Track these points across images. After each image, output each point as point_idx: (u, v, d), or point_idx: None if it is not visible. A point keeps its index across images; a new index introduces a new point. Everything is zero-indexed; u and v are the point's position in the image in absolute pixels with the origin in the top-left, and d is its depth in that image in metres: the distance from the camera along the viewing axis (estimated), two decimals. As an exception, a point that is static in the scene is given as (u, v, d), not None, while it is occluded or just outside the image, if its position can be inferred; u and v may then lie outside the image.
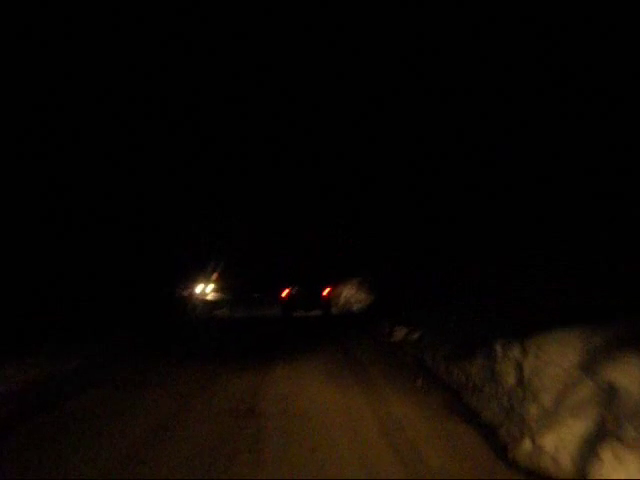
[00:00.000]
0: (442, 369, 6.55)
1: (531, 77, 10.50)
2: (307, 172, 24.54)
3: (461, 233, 12.92)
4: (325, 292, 17.08)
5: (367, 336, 10.84)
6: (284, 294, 17.14)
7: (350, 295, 19.74)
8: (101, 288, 12.10)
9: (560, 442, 3.57)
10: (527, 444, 3.77)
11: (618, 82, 8.73)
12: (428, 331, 8.78)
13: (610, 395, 3.55)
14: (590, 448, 3.36)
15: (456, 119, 13.21)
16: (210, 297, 26.57)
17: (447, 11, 12.79)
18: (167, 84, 14.31)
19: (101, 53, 11.75)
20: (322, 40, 17.07)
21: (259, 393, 6.02)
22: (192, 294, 24.44)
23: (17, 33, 10.06)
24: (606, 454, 3.20)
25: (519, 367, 4.52)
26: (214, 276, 28.45)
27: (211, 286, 28.27)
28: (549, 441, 3.63)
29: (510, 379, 4.58)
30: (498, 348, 4.95)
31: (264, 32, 16.58)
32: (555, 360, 4.20)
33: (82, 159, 11.58)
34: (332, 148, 21.60)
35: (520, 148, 10.92)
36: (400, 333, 9.80)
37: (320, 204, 25.39)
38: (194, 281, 26.01)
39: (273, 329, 13.75)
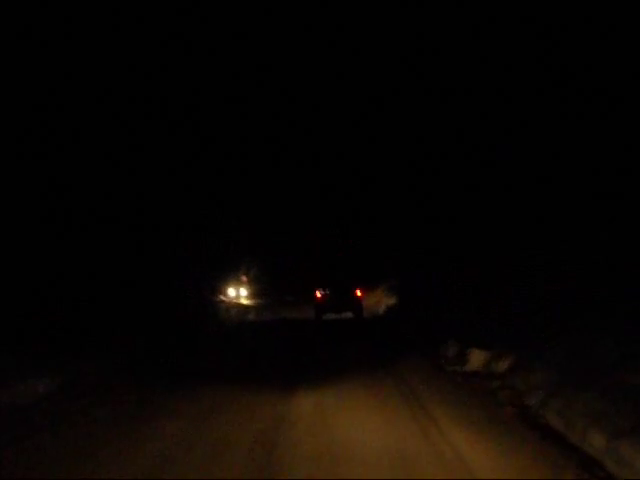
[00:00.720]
0: (606, 451, 3.53)
1: (531, 77, 10.49)
2: (330, 176, 24.79)
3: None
4: (357, 294, 17.13)
5: (424, 358, 8.46)
6: (317, 295, 17.31)
7: (390, 301, 19.41)
8: (118, 291, 11.91)
9: None
10: None
11: (618, 82, 8.72)
12: (527, 359, 5.96)
13: None
14: None
15: (456, 119, 13.20)
16: (244, 301, 26.37)
17: (447, 11, 12.78)
18: (167, 84, 14.30)
19: (101, 53, 11.75)
20: (322, 40, 17.07)
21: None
22: (225, 298, 24.36)
23: (17, 33, 10.06)
24: None
25: None
26: (245, 279, 28.42)
27: (244, 290, 28.17)
28: None
29: None
30: None
31: (264, 32, 16.58)
32: None
33: (82, 159, 11.56)
34: (343, 149, 21.66)
35: (520, 148, 10.91)
36: (477, 358, 7.10)
37: (351, 206, 25.55)
38: (225, 285, 26.04)
39: (305, 339, 12.68)
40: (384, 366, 7.98)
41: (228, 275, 26.32)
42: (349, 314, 17.34)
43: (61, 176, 11.10)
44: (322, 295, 17.22)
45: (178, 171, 15.89)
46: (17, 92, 10.05)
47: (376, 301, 21.19)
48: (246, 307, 23.87)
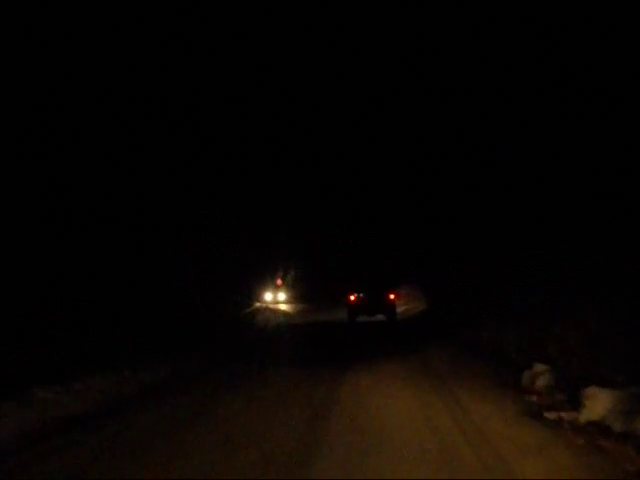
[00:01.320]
0: None
1: (531, 77, 10.49)
2: (337, 178, 24.86)
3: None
4: (390, 297, 17.48)
5: (503, 392, 5.92)
6: (351, 299, 17.72)
7: (429, 306, 19.27)
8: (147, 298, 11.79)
9: None
10: None
11: (618, 82, 8.72)
12: None
13: None
14: None
15: (456, 119, 13.21)
16: (281, 305, 26.33)
17: (447, 11, 12.78)
18: (167, 84, 14.29)
19: (101, 53, 11.74)
20: (322, 40, 17.07)
21: None
22: (261, 303, 24.35)
23: (17, 33, 10.05)
24: None
25: None
26: (280, 283, 28.49)
27: (282, 294, 28.19)
28: None
29: None
30: None
31: (264, 32, 16.58)
32: None
33: (82, 159, 11.56)
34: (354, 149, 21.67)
35: (520, 148, 10.91)
36: (598, 402, 4.61)
37: (386, 209, 25.62)
38: (263, 290, 26.12)
39: (341, 348, 12.11)
40: (449, 409, 5.19)
41: (266, 280, 26.59)
42: (381, 316, 17.69)
43: (61, 176, 11.09)
44: (355, 298, 17.58)
45: (178, 171, 15.89)
46: (17, 92, 10.05)
47: (414, 306, 21.16)
48: (283, 311, 23.94)
